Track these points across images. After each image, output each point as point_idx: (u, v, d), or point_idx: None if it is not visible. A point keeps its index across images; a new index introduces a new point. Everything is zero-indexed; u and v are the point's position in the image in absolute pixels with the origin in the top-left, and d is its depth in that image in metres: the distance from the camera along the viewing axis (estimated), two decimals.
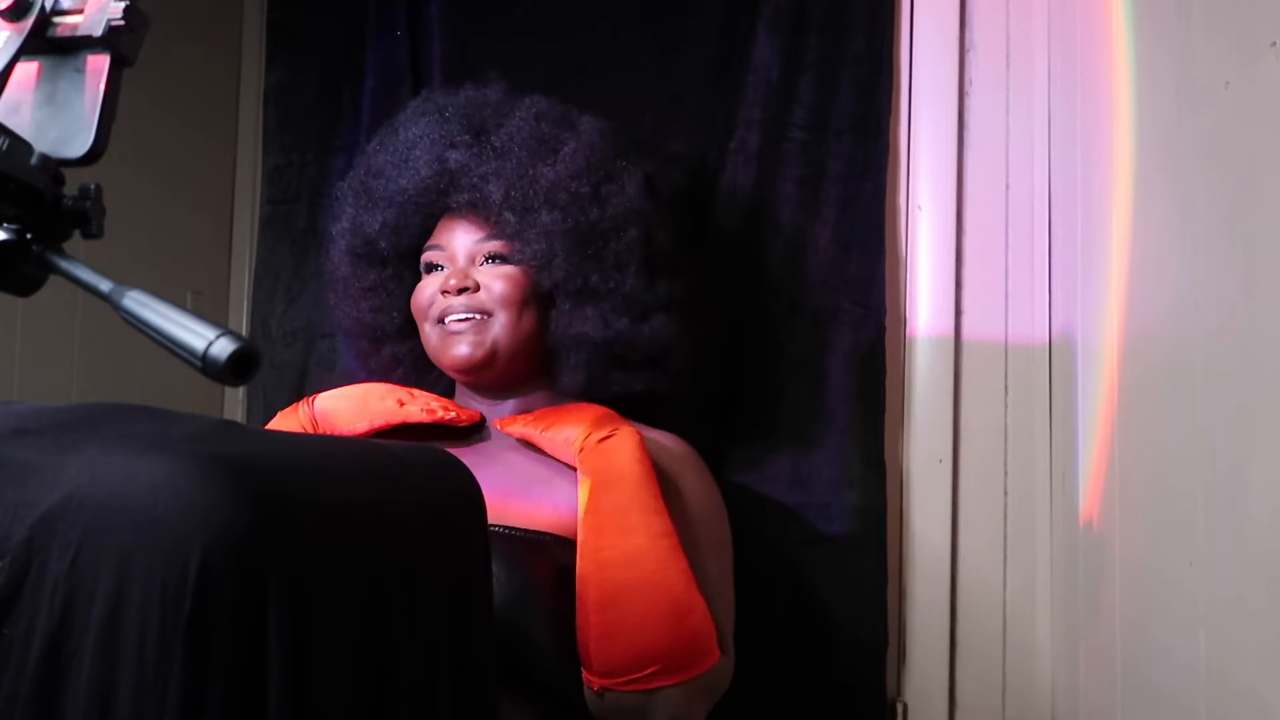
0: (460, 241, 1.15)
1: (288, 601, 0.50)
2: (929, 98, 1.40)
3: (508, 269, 1.13)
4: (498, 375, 1.16)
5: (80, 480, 0.51)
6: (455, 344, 1.12)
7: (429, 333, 1.15)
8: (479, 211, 1.14)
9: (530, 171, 1.12)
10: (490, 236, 1.14)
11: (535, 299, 1.14)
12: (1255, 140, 0.77)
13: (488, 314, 1.12)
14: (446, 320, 1.13)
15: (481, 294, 1.12)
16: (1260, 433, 0.76)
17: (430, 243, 1.18)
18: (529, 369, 1.17)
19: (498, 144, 1.14)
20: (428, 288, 1.15)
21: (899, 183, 1.41)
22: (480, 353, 1.12)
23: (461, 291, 1.12)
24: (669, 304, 1.17)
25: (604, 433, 1.05)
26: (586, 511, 1.01)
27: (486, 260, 1.14)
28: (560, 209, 1.11)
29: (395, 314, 1.22)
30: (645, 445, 1.05)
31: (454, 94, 1.21)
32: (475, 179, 1.13)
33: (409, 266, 1.21)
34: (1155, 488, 0.96)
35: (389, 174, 1.17)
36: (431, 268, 1.17)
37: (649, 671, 0.97)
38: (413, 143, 1.17)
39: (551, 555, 1.04)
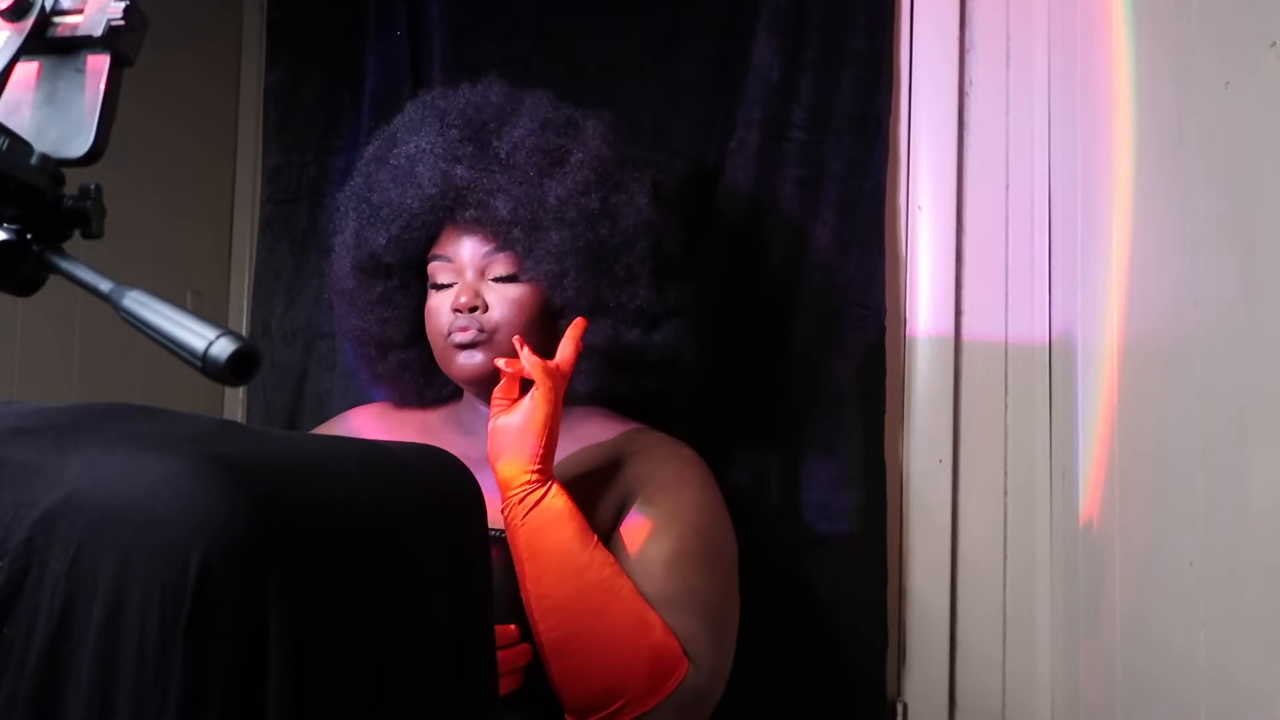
0: (468, 253, 1.13)
1: (288, 601, 0.50)
2: (929, 98, 1.40)
3: (517, 290, 1.12)
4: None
5: (80, 480, 0.51)
6: (463, 359, 1.12)
7: (440, 349, 1.14)
8: (486, 226, 1.12)
9: (537, 187, 1.10)
10: (498, 249, 1.12)
11: (544, 315, 1.13)
12: (1255, 140, 0.77)
13: (495, 332, 1.11)
14: (454, 335, 1.12)
15: (492, 314, 1.11)
16: (1260, 433, 0.76)
17: (436, 252, 1.15)
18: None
19: (503, 155, 1.12)
20: (439, 307, 1.14)
21: (899, 183, 1.41)
22: (487, 369, 1.11)
23: (472, 310, 1.11)
24: (678, 309, 1.17)
25: (529, 482, 1.02)
26: (523, 560, 1.00)
27: (497, 276, 1.13)
28: (570, 227, 1.10)
29: (403, 324, 1.20)
30: (564, 490, 1.02)
31: (453, 96, 1.19)
32: (481, 195, 1.11)
33: (415, 275, 1.19)
34: (1155, 488, 0.96)
35: (391, 189, 1.15)
36: (440, 278, 1.15)
37: (617, 706, 0.97)
38: (414, 156, 1.13)
39: None
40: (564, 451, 1.14)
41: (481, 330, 1.11)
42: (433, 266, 1.16)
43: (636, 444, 1.15)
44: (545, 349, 1.13)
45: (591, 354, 1.14)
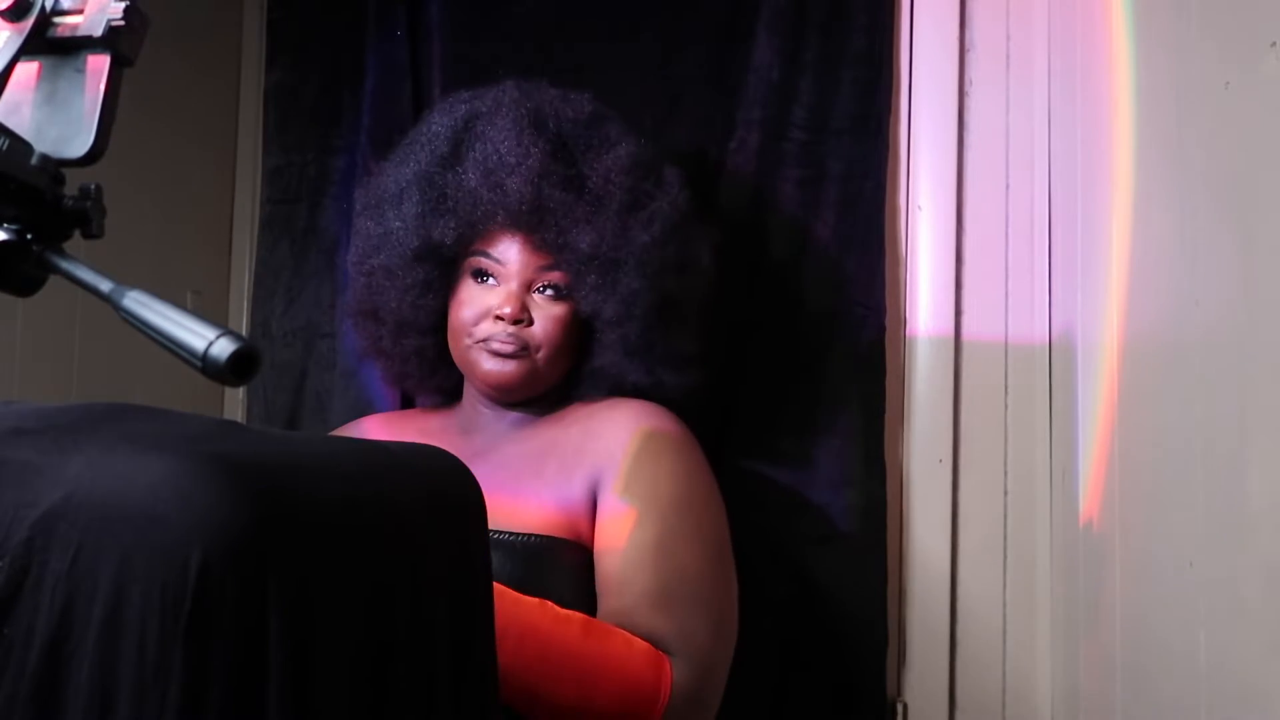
0: (519, 262, 1.12)
1: (288, 601, 0.50)
2: (929, 98, 1.40)
3: (562, 308, 1.13)
4: (523, 396, 1.16)
5: (80, 480, 0.51)
6: (492, 365, 1.11)
7: (466, 346, 1.13)
8: (559, 251, 1.11)
9: (621, 229, 1.11)
10: (553, 266, 1.12)
11: (577, 332, 1.15)
12: (1255, 140, 0.77)
13: (537, 350, 1.12)
14: (492, 343, 1.11)
15: (535, 329, 1.11)
16: (1260, 433, 0.76)
17: (484, 248, 1.13)
18: (551, 387, 1.18)
19: (591, 184, 1.11)
20: (475, 303, 1.12)
21: (899, 183, 1.41)
22: (519, 378, 1.12)
23: (516, 322, 1.11)
24: (705, 353, 1.20)
25: None
26: None
27: (542, 289, 1.13)
28: (647, 277, 1.12)
29: (433, 312, 1.18)
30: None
31: (539, 96, 1.16)
32: (567, 222, 1.10)
33: (454, 264, 1.17)
34: (1155, 488, 0.96)
35: (478, 189, 1.11)
36: (481, 275, 1.14)
37: None
38: (504, 162, 1.10)
39: (540, 557, 1.04)
40: (532, 444, 1.13)
41: (525, 347, 1.11)
42: (478, 262, 1.14)
43: (604, 416, 1.13)
44: (569, 366, 1.15)
45: (623, 383, 1.16)
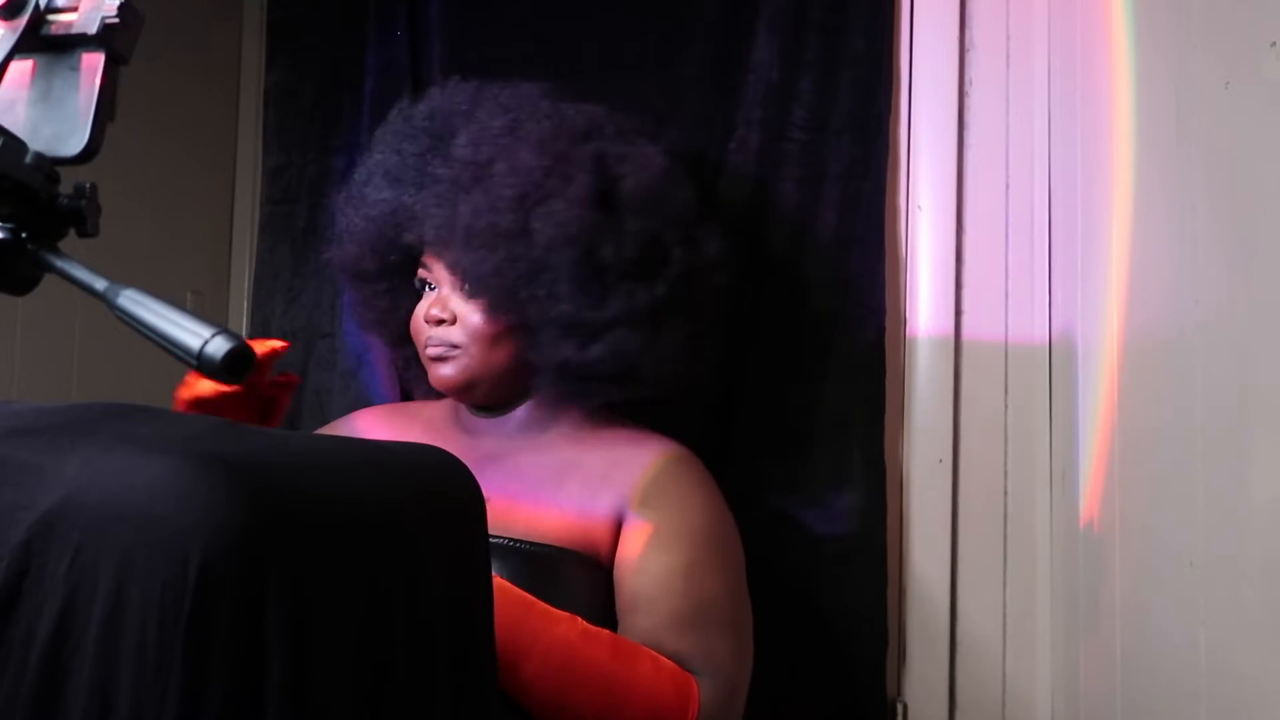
0: (441, 265, 1.13)
1: (288, 601, 0.50)
2: (929, 98, 1.40)
3: (479, 303, 1.11)
4: (485, 397, 1.16)
5: (79, 480, 0.51)
6: (436, 369, 1.13)
7: (419, 353, 1.16)
8: (450, 243, 1.12)
9: (452, 208, 1.08)
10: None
11: (509, 328, 1.11)
12: (1255, 140, 0.77)
13: (464, 348, 1.11)
14: (427, 348, 1.13)
15: (456, 328, 1.11)
16: (1260, 432, 0.76)
17: (423, 259, 1.16)
18: (517, 387, 1.16)
19: (439, 174, 1.10)
20: (419, 313, 1.15)
21: (899, 183, 1.41)
22: (457, 380, 1.12)
23: (440, 323, 1.12)
24: (625, 319, 1.08)
25: None
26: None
27: (464, 287, 1.12)
28: (481, 249, 1.06)
29: (397, 325, 1.21)
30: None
31: (424, 102, 1.18)
32: (418, 212, 1.12)
33: (407, 280, 1.19)
34: (1155, 487, 0.96)
35: (356, 201, 1.17)
36: (424, 285, 1.17)
37: None
38: (371, 171, 1.16)
39: (555, 568, 1.04)
40: (551, 456, 1.13)
41: (453, 346, 1.11)
42: (419, 273, 1.16)
43: (630, 446, 1.13)
44: (512, 358, 1.12)
45: (541, 368, 1.12)
